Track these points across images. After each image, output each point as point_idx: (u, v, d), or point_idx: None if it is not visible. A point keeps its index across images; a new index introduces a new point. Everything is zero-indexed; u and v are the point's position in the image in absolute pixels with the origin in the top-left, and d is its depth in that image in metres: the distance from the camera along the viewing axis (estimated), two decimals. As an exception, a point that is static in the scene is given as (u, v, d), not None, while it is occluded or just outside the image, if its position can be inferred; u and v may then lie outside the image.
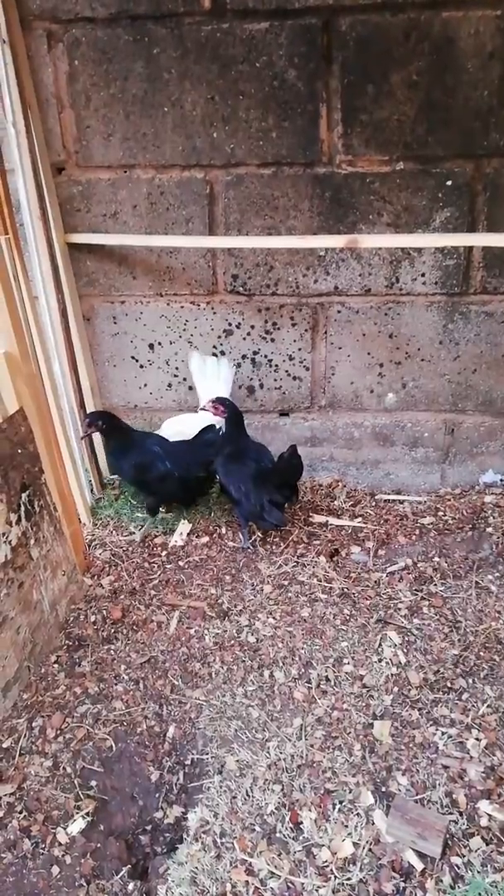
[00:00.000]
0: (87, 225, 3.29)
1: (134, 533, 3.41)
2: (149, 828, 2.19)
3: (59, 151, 3.13)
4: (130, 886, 1.99)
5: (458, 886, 1.90)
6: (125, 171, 3.17)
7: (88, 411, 3.45)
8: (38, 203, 2.96)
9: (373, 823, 2.06)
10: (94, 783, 2.25)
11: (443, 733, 2.32)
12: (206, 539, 3.36)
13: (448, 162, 3.02)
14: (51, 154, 3.11)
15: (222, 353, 3.53)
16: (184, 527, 3.41)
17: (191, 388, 3.62)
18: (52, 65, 2.99)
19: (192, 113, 3.01)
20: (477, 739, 2.29)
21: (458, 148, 2.98)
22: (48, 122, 3.07)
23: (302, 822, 2.08)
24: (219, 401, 3.21)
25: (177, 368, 3.59)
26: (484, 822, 2.05)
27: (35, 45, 2.94)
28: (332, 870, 1.95)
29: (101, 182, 3.20)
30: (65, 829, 2.10)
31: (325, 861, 1.98)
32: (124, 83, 2.99)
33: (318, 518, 3.48)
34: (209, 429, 3.33)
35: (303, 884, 1.93)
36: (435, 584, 3.00)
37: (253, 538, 3.33)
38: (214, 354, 3.51)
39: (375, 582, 3.04)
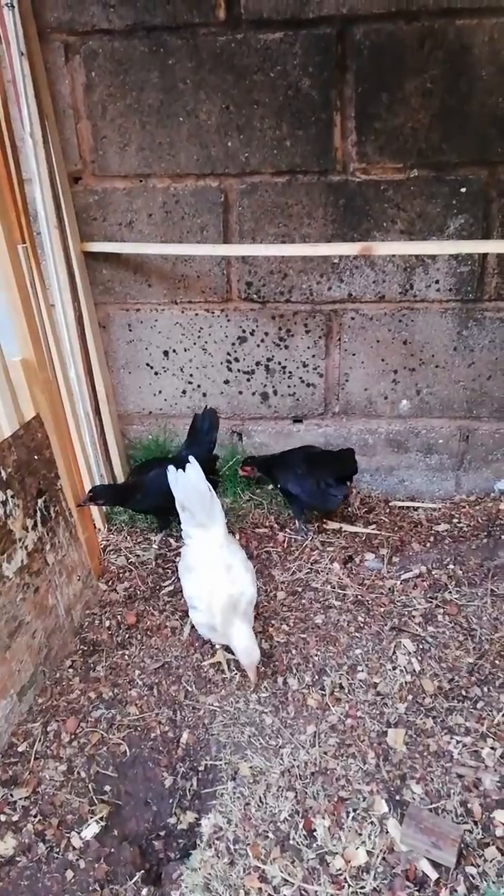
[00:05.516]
0: (103, 234, 3.32)
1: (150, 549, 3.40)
2: (162, 833, 2.20)
3: (75, 161, 3.17)
4: (144, 892, 1.99)
5: (473, 897, 1.89)
6: (141, 181, 3.20)
7: (92, 486, 3.26)
8: (54, 212, 3.00)
9: (387, 832, 2.05)
10: (108, 788, 2.26)
11: (458, 742, 2.31)
12: (219, 545, 3.37)
13: (462, 169, 3.02)
14: (67, 164, 3.15)
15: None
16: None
17: (205, 394, 3.64)
18: (69, 76, 3.03)
19: (207, 122, 3.04)
20: (492, 748, 2.28)
21: (473, 154, 2.99)
22: (65, 132, 3.11)
23: (315, 830, 2.07)
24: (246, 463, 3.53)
25: (191, 375, 3.61)
26: (499, 831, 2.03)
27: (52, 57, 2.99)
28: (345, 878, 1.94)
29: (116, 191, 3.23)
30: (79, 833, 2.11)
31: (339, 869, 1.97)
32: (140, 94, 3.03)
33: (331, 524, 3.47)
34: (197, 418, 3.26)
35: (316, 891, 1.92)
36: (450, 592, 2.98)
37: (308, 529, 3.42)
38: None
39: (389, 589, 3.03)
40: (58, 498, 2.77)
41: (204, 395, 3.64)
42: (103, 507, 3.50)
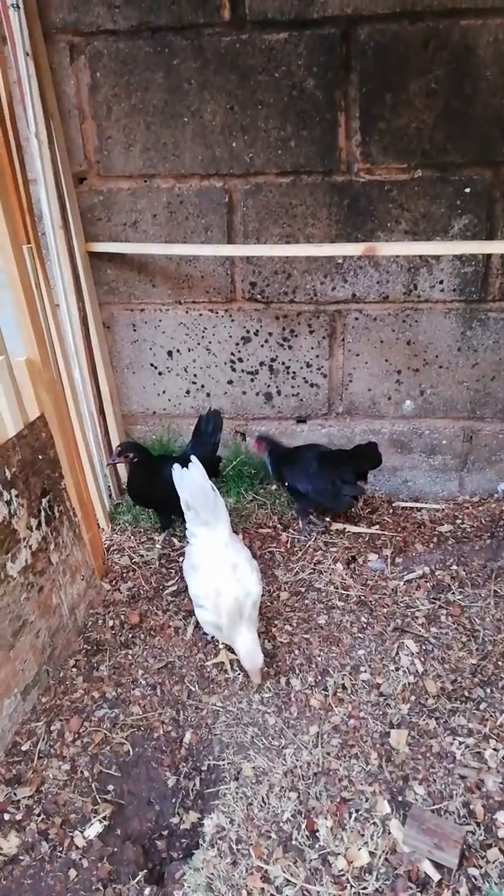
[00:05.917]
0: (108, 234, 3.33)
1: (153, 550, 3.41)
2: (165, 833, 2.20)
3: (80, 161, 3.18)
4: (147, 891, 2.00)
5: (476, 898, 1.89)
6: (145, 181, 3.21)
7: (122, 441, 3.36)
8: (59, 212, 3.01)
9: (389, 833, 2.05)
10: (111, 787, 2.26)
11: (460, 743, 2.31)
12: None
13: (466, 169, 3.02)
14: (72, 164, 3.15)
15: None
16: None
17: (209, 394, 3.64)
18: (74, 76, 3.03)
19: (212, 123, 3.04)
20: (495, 750, 2.28)
21: (477, 155, 2.98)
22: (70, 132, 3.11)
23: (318, 830, 2.07)
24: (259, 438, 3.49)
25: (195, 376, 3.62)
26: (502, 833, 2.03)
27: (58, 58, 2.99)
28: (347, 878, 1.94)
29: (121, 191, 3.24)
30: (82, 832, 2.11)
31: (341, 870, 1.97)
32: (145, 94, 3.03)
33: (335, 525, 3.47)
34: (202, 420, 3.28)
35: (318, 892, 1.92)
36: (453, 593, 2.98)
37: (311, 529, 3.42)
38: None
39: (393, 590, 3.03)
40: (62, 497, 2.78)
41: (208, 395, 3.65)
42: (107, 506, 3.51)
